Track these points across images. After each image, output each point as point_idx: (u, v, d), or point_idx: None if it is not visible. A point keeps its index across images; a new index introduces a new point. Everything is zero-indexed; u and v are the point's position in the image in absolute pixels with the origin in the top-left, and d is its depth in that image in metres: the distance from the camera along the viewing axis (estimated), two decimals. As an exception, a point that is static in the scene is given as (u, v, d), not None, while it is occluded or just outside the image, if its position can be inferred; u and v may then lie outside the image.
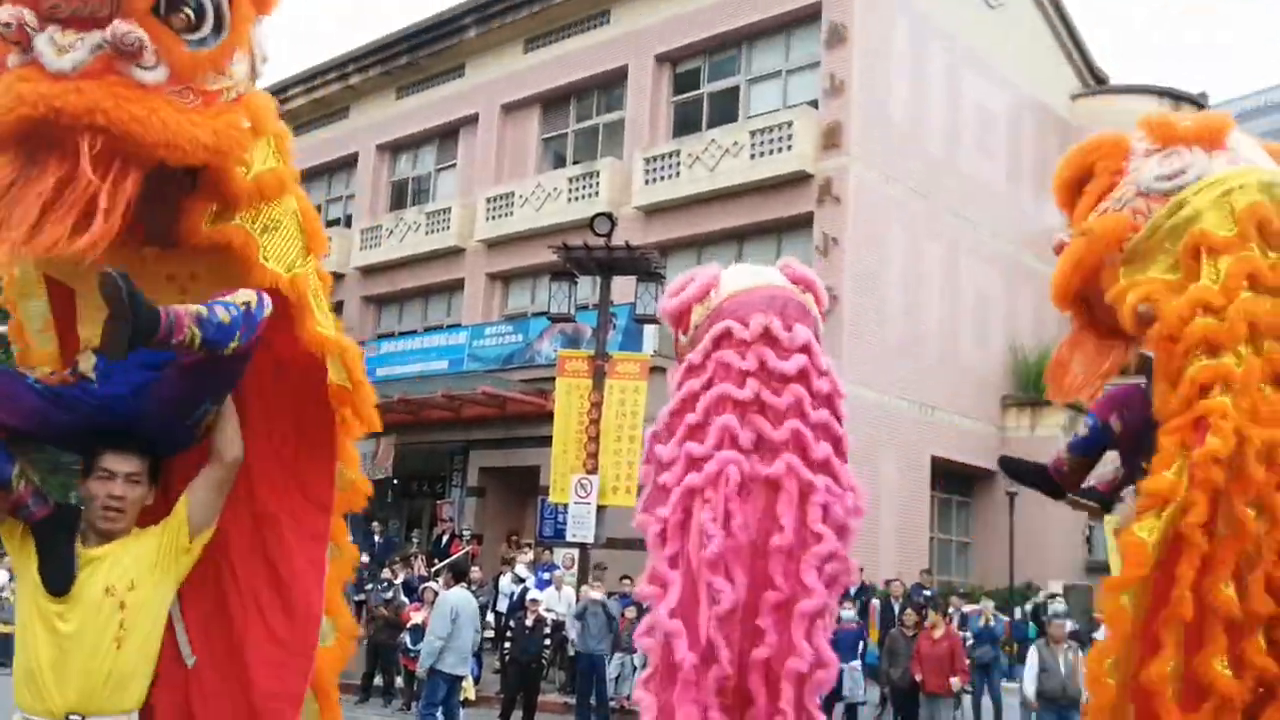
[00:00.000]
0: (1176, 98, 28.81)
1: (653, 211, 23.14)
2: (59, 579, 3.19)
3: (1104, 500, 4.50)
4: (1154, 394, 3.83)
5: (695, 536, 3.40)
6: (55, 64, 2.85)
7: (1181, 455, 3.43)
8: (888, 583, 16.78)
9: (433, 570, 19.28)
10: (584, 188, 24.41)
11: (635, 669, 15.67)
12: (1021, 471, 4.98)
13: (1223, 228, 3.70)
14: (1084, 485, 4.57)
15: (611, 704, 15.29)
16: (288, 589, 3.54)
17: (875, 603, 16.02)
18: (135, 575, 3.27)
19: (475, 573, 17.22)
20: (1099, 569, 22.19)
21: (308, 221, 3.60)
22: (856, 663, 13.81)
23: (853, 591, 16.32)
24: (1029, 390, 24.22)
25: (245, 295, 3.18)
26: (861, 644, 14.24)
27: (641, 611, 15.56)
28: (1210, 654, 3.32)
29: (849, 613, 14.28)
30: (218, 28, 3.08)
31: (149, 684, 3.32)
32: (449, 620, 11.70)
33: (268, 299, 3.25)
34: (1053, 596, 17.26)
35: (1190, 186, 3.87)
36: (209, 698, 3.45)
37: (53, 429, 3.29)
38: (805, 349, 3.64)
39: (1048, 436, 23.69)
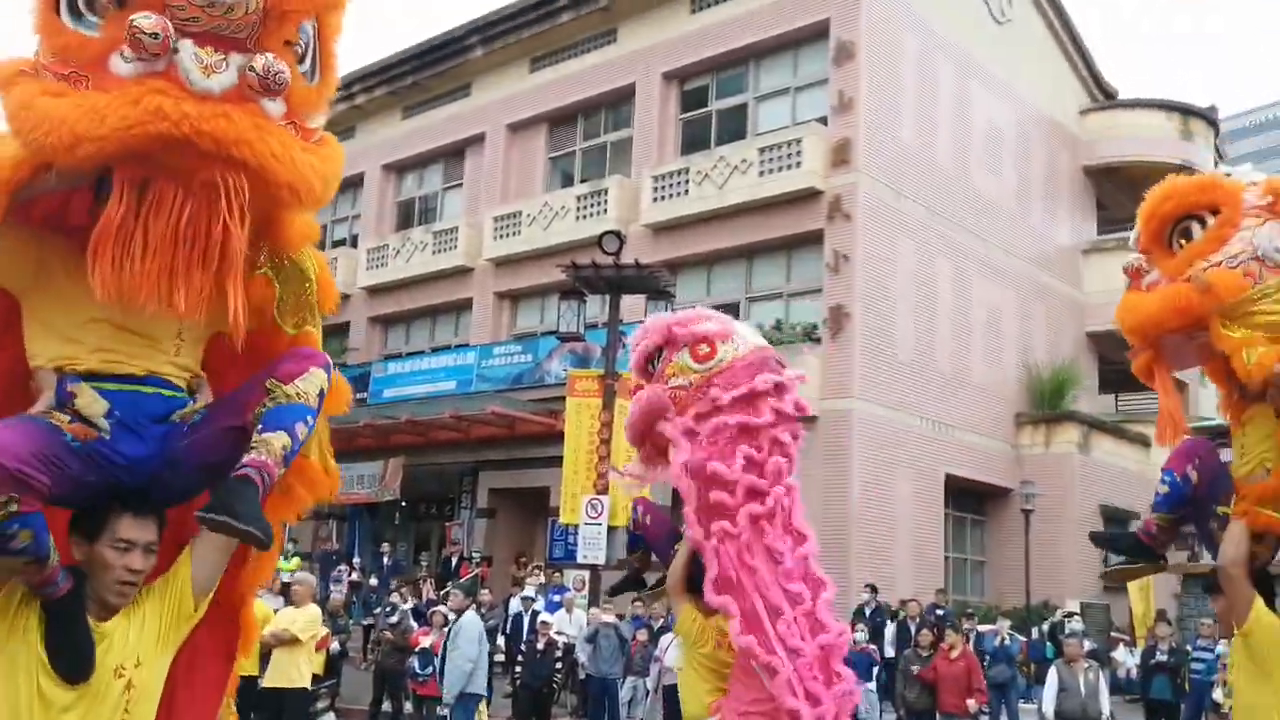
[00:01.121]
0: (1186, 112, 28.72)
1: (661, 229, 23.04)
2: (81, 663, 2.79)
3: (1158, 557, 4.55)
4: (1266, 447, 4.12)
5: (764, 558, 4.44)
6: (201, 83, 2.58)
7: None
8: (903, 603, 16.57)
9: (441, 593, 19.13)
10: (592, 206, 24.32)
11: (648, 692, 15.48)
12: (1116, 543, 4.96)
13: None
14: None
15: (624, 729, 15.11)
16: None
17: (891, 625, 15.83)
18: (140, 650, 2.90)
19: (485, 595, 17.07)
20: (1115, 588, 21.99)
21: (323, 274, 3.33)
22: (871, 684, 13.62)
23: (867, 613, 16.15)
24: (1042, 407, 24.03)
25: (318, 381, 2.99)
26: (876, 666, 14.00)
27: (653, 633, 15.42)
28: None
29: (862, 634, 14.09)
30: (314, 63, 2.94)
31: None
32: (478, 643, 11.37)
33: (331, 367, 3.11)
34: (1069, 615, 17.08)
35: None
36: None
37: (80, 492, 2.83)
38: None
39: (1062, 454, 23.52)
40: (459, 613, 11.05)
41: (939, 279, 22.39)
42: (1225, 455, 4.33)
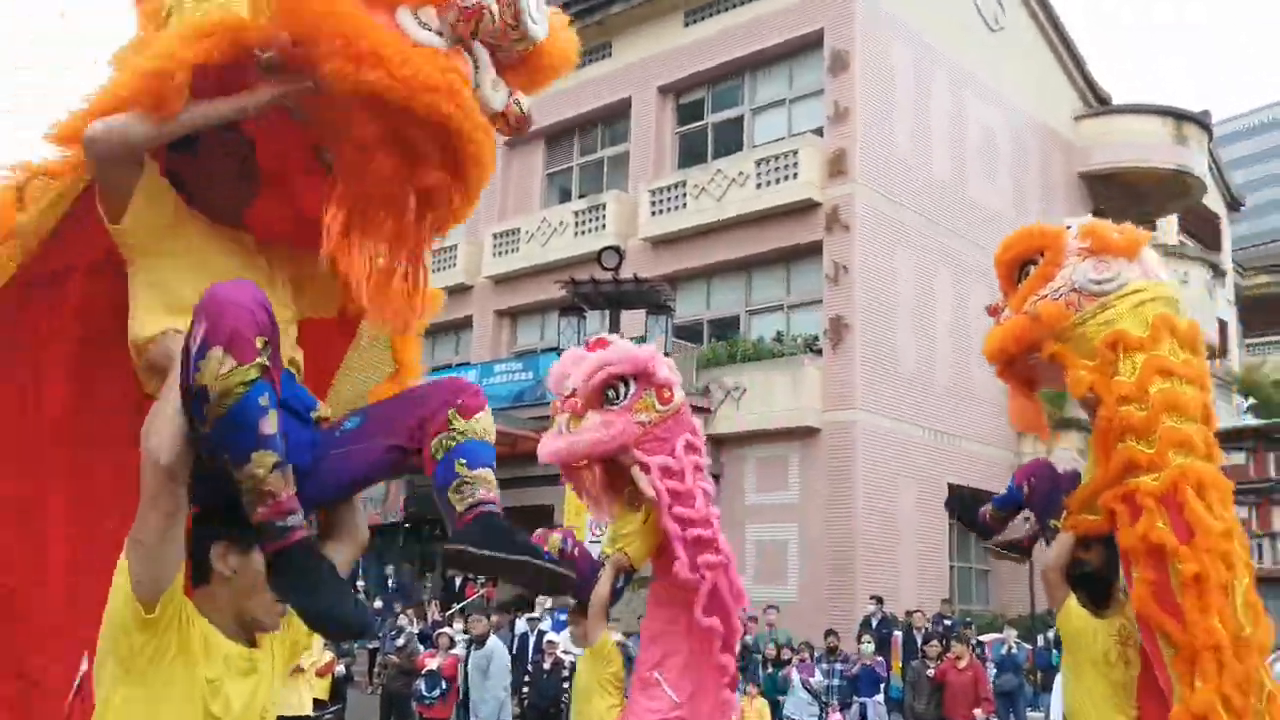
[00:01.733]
0: (1179, 117, 28.73)
1: (660, 243, 23.03)
2: (354, 615, 2.46)
3: (1025, 552, 5.55)
4: (1090, 461, 4.80)
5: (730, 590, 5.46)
6: (490, 99, 2.60)
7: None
8: (909, 614, 16.50)
9: (446, 615, 19.05)
10: (590, 221, 24.32)
11: (655, 709, 15.42)
12: (964, 510, 5.91)
13: (1138, 330, 4.68)
14: (1005, 540, 5.67)
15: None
16: None
17: (898, 635, 15.73)
18: (271, 690, 2.63)
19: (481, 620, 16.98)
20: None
21: None
22: (879, 697, 13.54)
23: (874, 624, 16.07)
24: (1044, 414, 23.96)
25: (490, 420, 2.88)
26: (884, 678, 13.93)
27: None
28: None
29: (869, 647, 14.01)
30: None
31: None
32: (508, 671, 11.15)
33: None
34: (1077, 623, 17.00)
35: (1115, 292, 4.82)
36: None
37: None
38: None
39: (1064, 460, 23.44)
40: (481, 637, 10.78)
41: (938, 288, 22.37)
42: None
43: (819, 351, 20.75)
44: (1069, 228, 5.12)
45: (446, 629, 15.98)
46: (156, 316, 2.60)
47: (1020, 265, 5.21)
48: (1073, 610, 4.88)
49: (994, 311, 5.37)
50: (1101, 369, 4.72)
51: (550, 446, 5.60)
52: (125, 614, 2.27)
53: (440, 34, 2.51)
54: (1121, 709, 4.76)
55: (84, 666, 2.57)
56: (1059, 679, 12.57)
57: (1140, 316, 4.75)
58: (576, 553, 5.95)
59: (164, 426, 2.29)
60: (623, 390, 5.45)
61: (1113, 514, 4.57)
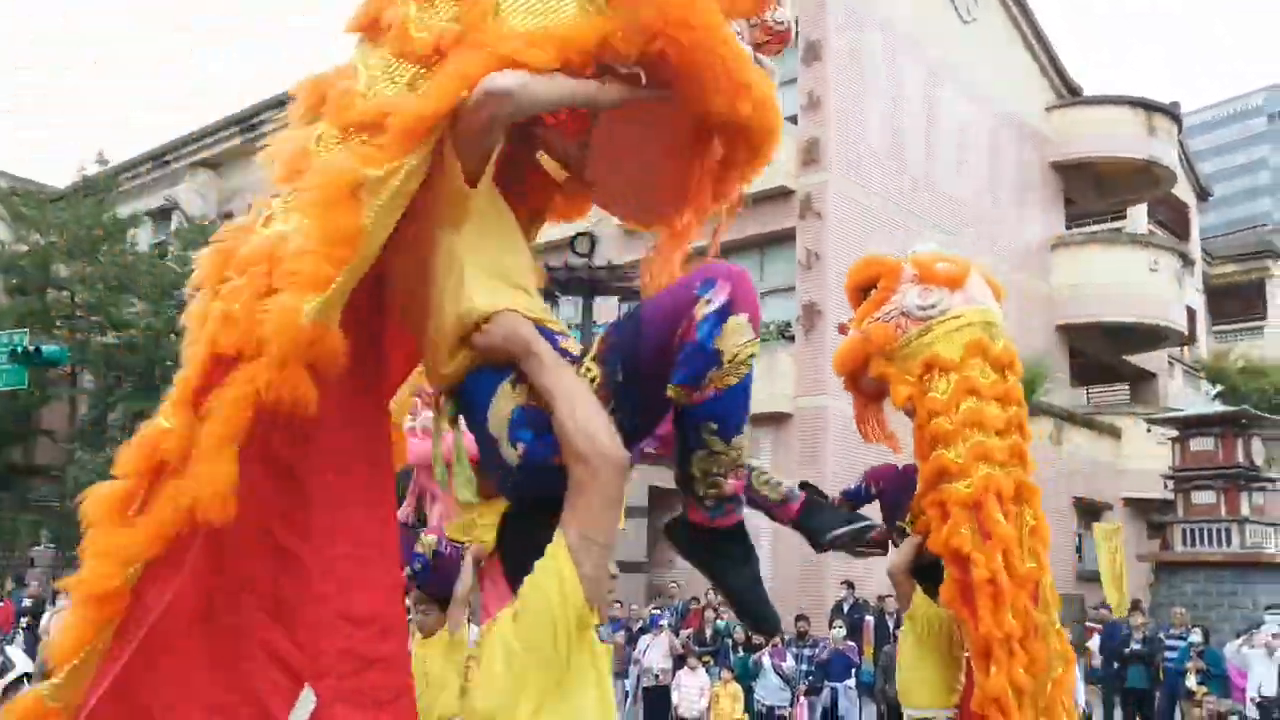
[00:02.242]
0: (1149, 108, 28.94)
1: (634, 230, 23.01)
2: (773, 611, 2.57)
3: (882, 545, 5.82)
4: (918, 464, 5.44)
5: None
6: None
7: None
8: (881, 598, 16.59)
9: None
10: (563, 208, 24.26)
11: (627, 694, 15.48)
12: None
13: (951, 353, 5.30)
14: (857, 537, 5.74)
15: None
16: None
17: (869, 620, 15.84)
18: None
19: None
20: (1090, 578, 22.13)
21: None
22: (850, 682, 13.63)
23: (845, 609, 16.18)
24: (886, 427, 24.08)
25: None
26: (856, 663, 14.02)
27: (631, 635, 15.41)
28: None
29: (840, 632, 14.11)
30: None
31: None
32: None
33: None
34: (1047, 608, 17.12)
35: (936, 318, 5.44)
36: None
37: None
38: None
39: (1034, 446, 23.56)
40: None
41: (910, 276, 22.47)
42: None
43: (791, 338, 20.82)
44: (907, 261, 5.81)
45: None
46: (494, 291, 2.48)
47: (864, 291, 5.90)
48: (919, 601, 5.66)
49: (843, 330, 6.08)
50: (919, 385, 5.41)
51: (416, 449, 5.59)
52: (569, 619, 2.11)
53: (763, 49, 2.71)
54: (952, 689, 5.55)
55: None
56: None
57: (956, 340, 5.39)
58: (450, 552, 5.75)
59: (600, 422, 2.24)
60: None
61: (928, 520, 5.28)
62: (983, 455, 5.18)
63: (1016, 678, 4.76)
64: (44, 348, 20.43)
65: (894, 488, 5.88)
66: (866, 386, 5.99)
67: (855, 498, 6.01)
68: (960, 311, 5.42)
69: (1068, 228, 28.62)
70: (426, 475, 5.63)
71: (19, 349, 19.98)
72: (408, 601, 5.25)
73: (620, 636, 15.43)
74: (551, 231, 15.07)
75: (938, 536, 5.13)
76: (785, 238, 21.23)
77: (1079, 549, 22.95)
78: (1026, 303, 25.87)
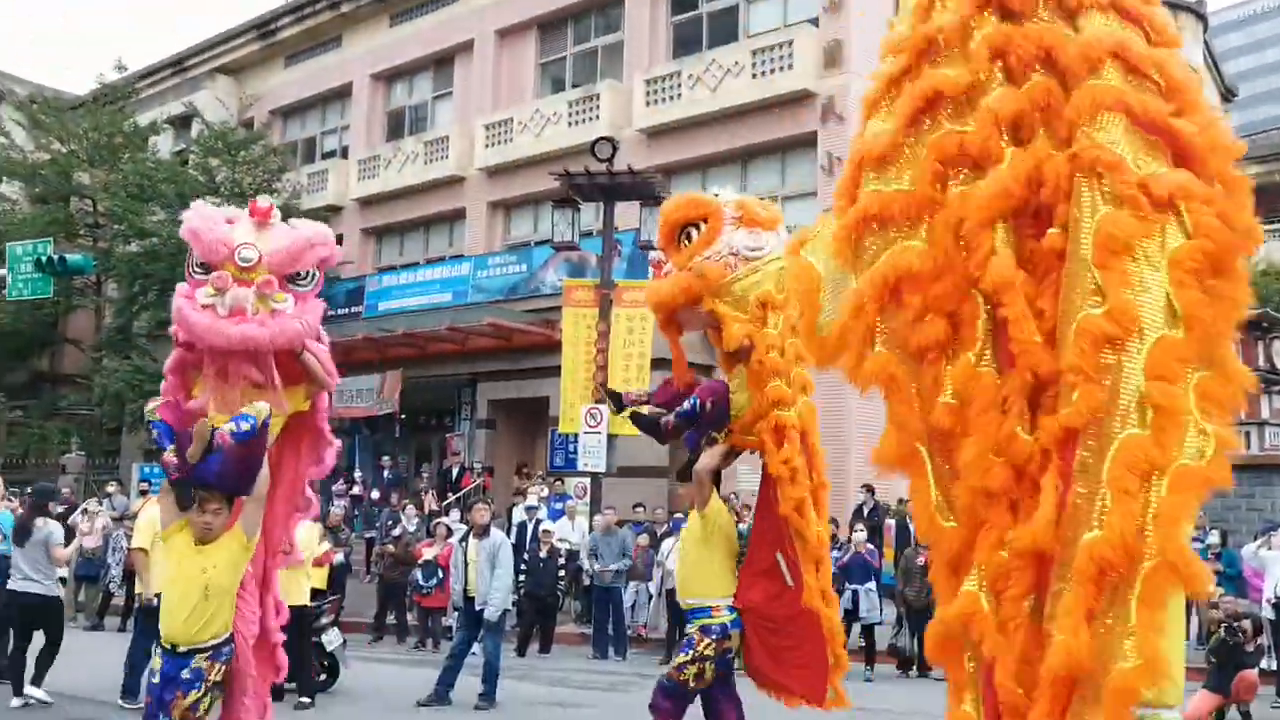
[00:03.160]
0: (1174, 7, 28.21)
1: (655, 134, 22.78)
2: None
3: (660, 436, 7.17)
4: (745, 396, 6.50)
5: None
6: None
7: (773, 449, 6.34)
8: (902, 502, 16.70)
9: (443, 505, 19.26)
10: (584, 112, 24.01)
11: (650, 597, 15.70)
12: (643, 423, 7.15)
13: (778, 292, 6.18)
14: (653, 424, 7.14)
15: (629, 632, 15.33)
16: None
17: (890, 523, 15.95)
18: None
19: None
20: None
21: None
22: (871, 584, 13.77)
23: (865, 512, 16.30)
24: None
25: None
26: (876, 566, 14.15)
27: (655, 538, 15.58)
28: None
29: (861, 534, 14.21)
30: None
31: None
32: (511, 559, 11.21)
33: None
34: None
35: (764, 258, 6.39)
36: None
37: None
38: None
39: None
40: (484, 527, 10.74)
41: (935, 179, 22.18)
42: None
43: (814, 244, 20.66)
44: (717, 195, 6.62)
45: (444, 519, 16.18)
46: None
47: (681, 228, 6.51)
48: (715, 503, 6.83)
49: (657, 266, 6.73)
50: (754, 322, 6.21)
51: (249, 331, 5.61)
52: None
53: None
54: (731, 583, 6.76)
55: None
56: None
57: (778, 280, 6.16)
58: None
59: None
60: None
61: (763, 442, 6.35)
62: (803, 385, 6.35)
63: (824, 585, 6.46)
64: (68, 257, 20.47)
65: (722, 404, 6.67)
66: (687, 322, 6.76)
67: (688, 418, 6.73)
68: (779, 253, 6.15)
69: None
70: (242, 360, 5.61)
71: (44, 258, 20.04)
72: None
73: (644, 540, 15.61)
74: (572, 137, 15.24)
75: (775, 458, 6.24)
76: (806, 142, 20.97)
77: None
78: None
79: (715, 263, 6.38)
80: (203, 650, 5.55)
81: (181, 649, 5.53)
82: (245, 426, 5.36)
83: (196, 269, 5.63)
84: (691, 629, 6.80)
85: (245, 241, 5.60)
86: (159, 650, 5.62)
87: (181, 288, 5.70)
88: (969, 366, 3.78)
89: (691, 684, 6.69)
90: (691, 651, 6.67)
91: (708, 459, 6.70)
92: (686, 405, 6.73)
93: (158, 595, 9.91)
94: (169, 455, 5.49)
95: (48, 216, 28.90)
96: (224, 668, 5.66)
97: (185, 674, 5.54)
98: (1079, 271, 3.53)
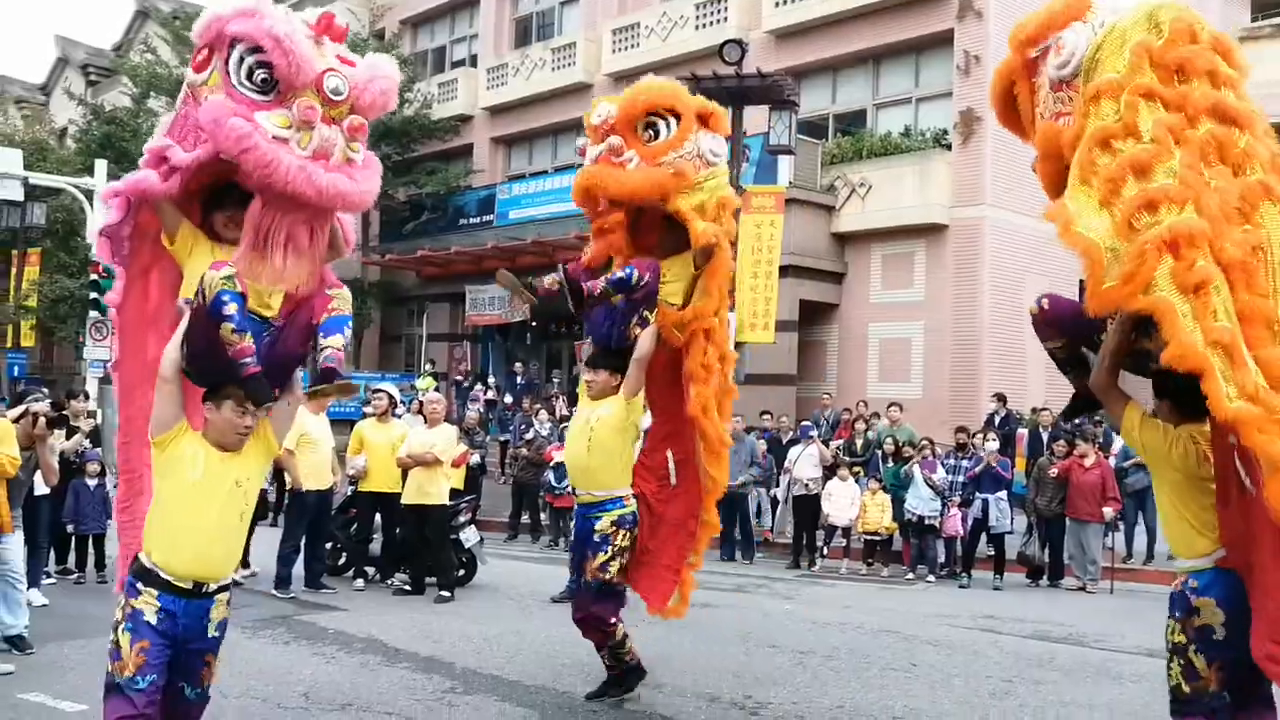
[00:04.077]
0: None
1: (784, 36, 22.32)
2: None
3: (579, 304, 6.94)
4: (699, 290, 6.77)
5: None
6: None
7: None
8: (1035, 411, 16.41)
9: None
10: (711, 14, 23.62)
11: (778, 502, 15.81)
12: (571, 287, 6.79)
13: (729, 194, 6.70)
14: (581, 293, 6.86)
15: (755, 538, 15.50)
16: None
17: (1022, 432, 15.70)
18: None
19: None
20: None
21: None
22: (1003, 494, 13.62)
23: (997, 421, 16.07)
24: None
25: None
26: (1008, 478, 13.97)
27: (780, 445, 15.63)
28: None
29: (993, 444, 14.04)
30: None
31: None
32: None
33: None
34: (1210, 422, 16.66)
35: (719, 165, 6.60)
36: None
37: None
38: None
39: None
40: None
41: (1078, 76, 21.31)
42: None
43: (948, 146, 20.14)
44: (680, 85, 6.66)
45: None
46: None
47: (646, 115, 6.41)
48: (640, 394, 6.81)
49: (615, 152, 6.43)
50: (719, 223, 6.50)
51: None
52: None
53: None
54: (629, 470, 6.86)
55: None
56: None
57: (726, 186, 6.67)
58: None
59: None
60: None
61: (690, 340, 6.64)
62: (730, 290, 6.94)
63: (725, 481, 6.87)
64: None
65: (655, 283, 6.71)
66: (650, 210, 6.72)
67: (622, 286, 6.60)
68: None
69: (1253, 19, 26.56)
70: (310, 219, 4.63)
71: (189, 169, 20.72)
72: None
73: (762, 445, 15.69)
74: (699, 40, 15.10)
75: (695, 358, 6.61)
76: (942, 40, 20.31)
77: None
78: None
79: (688, 161, 6.46)
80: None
81: (210, 588, 4.31)
82: (349, 332, 4.76)
83: (249, 83, 4.39)
84: (603, 524, 6.66)
85: (332, 68, 4.46)
86: (165, 595, 4.21)
87: (223, 102, 4.34)
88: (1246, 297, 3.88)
89: (616, 579, 6.65)
90: (610, 548, 6.61)
91: (647, 343, 6.65)
92: (621, 273, 6.65)
93: (305, 491, 10.51)
94: (246, 344, 4.30)
95: (192, 129, 29.77)
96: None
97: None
98: None
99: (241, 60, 4.37)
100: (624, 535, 6.66)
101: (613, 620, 6.68)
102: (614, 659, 6.76)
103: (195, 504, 4.26)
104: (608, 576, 6.59)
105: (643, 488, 6.98)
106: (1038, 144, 4.89)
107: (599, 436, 6.69)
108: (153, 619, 4.15)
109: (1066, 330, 5.34)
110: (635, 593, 6.95)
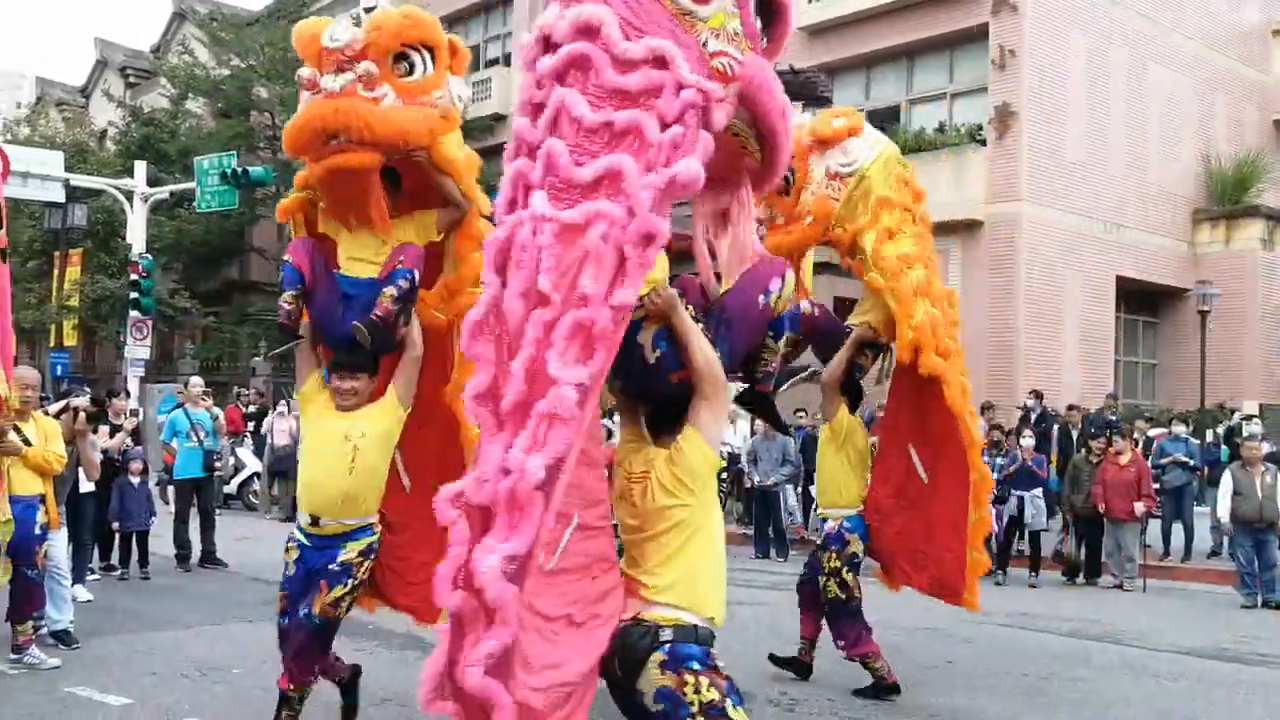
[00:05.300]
0: None
1: (817, 32, 22.28)
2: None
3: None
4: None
5: None
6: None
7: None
8: (1070, 408, 16.32)
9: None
10: (744, 12, 23.55)
11: (815, 500, 15.80)
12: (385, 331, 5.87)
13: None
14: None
15: (789, 535, 15.51)
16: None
17: (1057, 429, 15.62)
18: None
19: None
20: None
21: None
22: (1038, 491, 13.56)
23: (1033, 419, 15.99)
24: (1223, 202, 22.81)
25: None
26: (1044, 476, 13.90)
27: (808, 445, 15.63)
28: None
29: (1028, 441, 13.97)
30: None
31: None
32: None
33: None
34: (1248, 418, 16.53)
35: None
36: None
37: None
38: None
39: (1244, 251, 22.43)
40: None
41: (1112, 69, 21.17)
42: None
43: (983, 142, 20.05)
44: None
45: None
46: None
47: (401, 46, 5.44)
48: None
49: (370, 85, 5.26)
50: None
51: None
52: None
53: None
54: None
55: None
56: (1226, 475, 12.43)
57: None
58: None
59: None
60: None
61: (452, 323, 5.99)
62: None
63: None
64: (250, 169, 21.38)
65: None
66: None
67: (411, 293, 5.43)
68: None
69: (1293, 13, 26.28)
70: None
71: (228, 170, 21.00)
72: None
73: (795, 442, 15.68)
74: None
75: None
76: (977, 35, 20.21)
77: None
78: (1239, 95, 24.09)
79: (818, 199, 6.89)
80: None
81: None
82: (404, 285, 5.21)
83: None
84: (349, 554, 5.33)
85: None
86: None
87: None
88: None
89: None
90: (351, 580, 5.31)
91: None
92: (402, 281, 5.29)
93: None
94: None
95: (230, 130, 30.03)
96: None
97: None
98: None
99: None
100: (366, 568, 5.41)
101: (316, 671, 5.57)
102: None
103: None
104: (338, 613, 5.36)
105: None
106: (812, 209, 6.92)
107: (367, 457, 5.30)
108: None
109: (815, 338, 7.34)
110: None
